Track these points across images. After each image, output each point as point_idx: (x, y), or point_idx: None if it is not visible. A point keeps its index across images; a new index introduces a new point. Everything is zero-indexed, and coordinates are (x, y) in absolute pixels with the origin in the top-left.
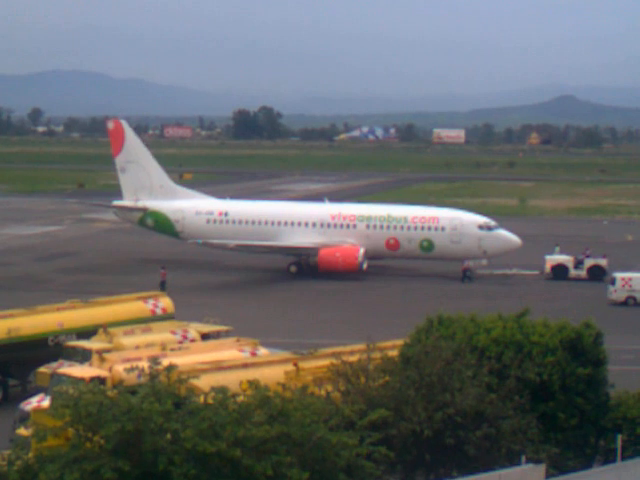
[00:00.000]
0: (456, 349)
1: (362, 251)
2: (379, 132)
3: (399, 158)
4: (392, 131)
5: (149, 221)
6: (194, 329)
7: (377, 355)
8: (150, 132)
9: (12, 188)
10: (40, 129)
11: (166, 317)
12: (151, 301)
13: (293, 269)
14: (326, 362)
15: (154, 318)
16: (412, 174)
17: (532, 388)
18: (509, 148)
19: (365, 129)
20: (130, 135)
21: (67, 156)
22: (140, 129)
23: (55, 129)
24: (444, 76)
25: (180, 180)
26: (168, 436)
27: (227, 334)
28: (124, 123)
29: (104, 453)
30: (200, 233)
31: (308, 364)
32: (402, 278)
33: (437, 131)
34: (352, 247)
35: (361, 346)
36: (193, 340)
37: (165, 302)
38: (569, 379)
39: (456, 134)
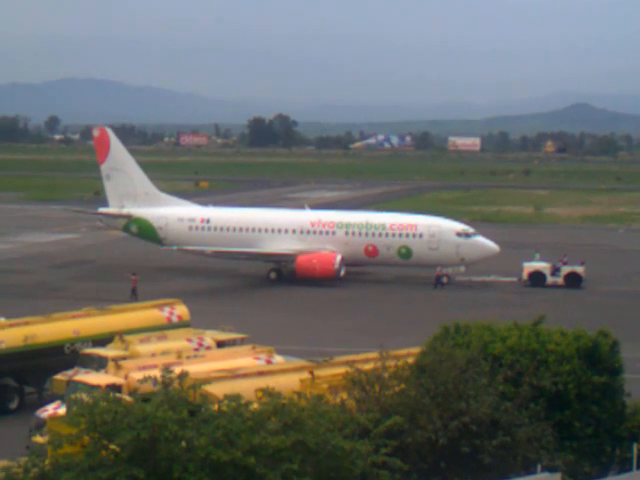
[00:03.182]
0: (470, 357)
1: (339, 258)
2: (395, 140)
3: (414, 166)
4: (408, 139)
5: (133, 228)
6: (210, 337)
7: (392, 363)
8: (166, 140)
9: (29, 196)
10: (57, 137)
11: (182, 325)
12: (167, 309)
13: (273, 275)
14: (341, 370)
15: (170, 326)
16: (427, 182)
17: (548, 396)
18: (524, 156)
19: (381, 137)
20: (115, 143)
21: (83, 164)
22: (156, 137)
23: (72, 137)
24: (459, 84)
25: (196, 188)
26: (183, 444)
27: (243, 342)
28: (109, 131)
29: (119, 461)
30: (182, 239)
31: (323, 372)
32: (410, 286)
33: (452, 139)
34: (329, 254)
35: (376, 354)
36: (209, 348)
37: (181, 310)
38: (585, 387)
39: (471, 142)
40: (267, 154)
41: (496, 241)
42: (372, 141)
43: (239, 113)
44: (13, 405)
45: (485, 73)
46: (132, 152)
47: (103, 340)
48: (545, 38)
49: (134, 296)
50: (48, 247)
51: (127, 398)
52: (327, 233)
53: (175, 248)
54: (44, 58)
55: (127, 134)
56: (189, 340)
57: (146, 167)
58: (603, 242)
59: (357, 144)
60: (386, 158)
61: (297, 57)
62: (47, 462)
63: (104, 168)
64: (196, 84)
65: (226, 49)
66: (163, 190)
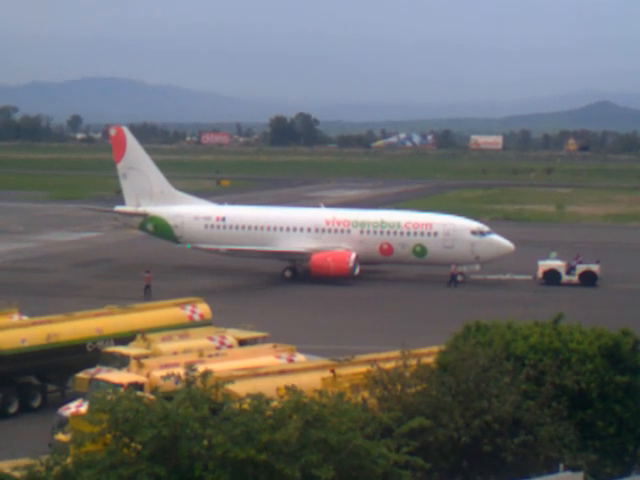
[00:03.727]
0: (492, 356)
1: (354, 256)
2: (416, 139)
3: (435, 165)
4: (429, 138)
5: (149, 226)
6: (231, 335)
7: (413, 362)
8: (187, 139)
9: (51, 194)
10: (79, 136)
11: (204, 323)
12: (189, 307)
13: (288, 274)
14: (363, 369)
15: (192, 324)
16: (448, 181)
17: (570, 395)
18: (546, 154)
19: (402, 136)
20: (132, 142)
21: (105, 163)
22: (178, 136)
23: (93, 136)
24: (481, 82)
25: (218, 186)
26: (205, 442)
27: (264, 340)
28: (126, 130)
29: (141, 459)
30: (198, 238)
31: (345, 371)
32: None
33: (474, 137)
34: (344, 252)
35: (397, 353)
36: (230, 346)
37: (203, 308)
38: (607, 387)
39: (493, 140)
40: (289, 153)
41: (516, 239)
42: (394, 140)
43: (260, 112)
44: (36, 403)
45: (506, 71)
46: (154, 151)
47: (125, 338)
48: (566, 36)
49: (148, 294)
50: (70, 246)
51: (149, 396)
52: (342, 231)
53: (189, 246)
54: (65, 58)
55: (149, 133)
56: (211, 338)
57: (168, 166)
58: (623, 241)
59: (378, 143)
60: (408, 157)
61: (319, 56)
62: (69, 460)
63: (121, 167)
64: (217, 83)
65: (247, 48)
66: (184, 189)
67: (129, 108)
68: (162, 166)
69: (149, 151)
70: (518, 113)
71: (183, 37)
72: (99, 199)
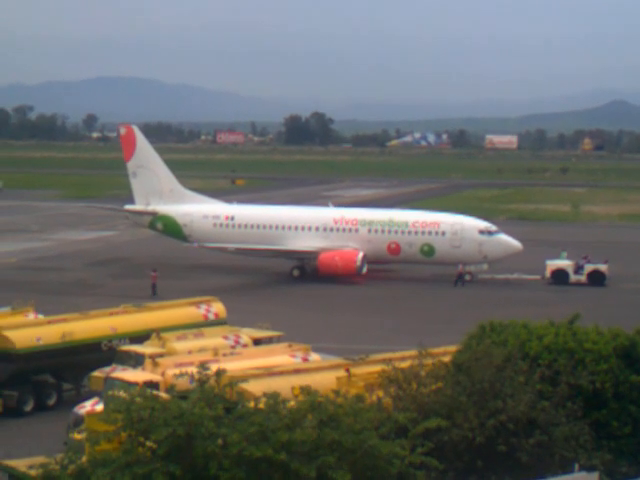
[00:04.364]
0: (507, 356)
1: (361, 255)
2: (431, 138)
3: (450, 164)
4: (444, 137)
5: (158, 225)
6: (246, 334)
7: (428, 361)
8: (203, 138)
9: (66, 193)
10: (94, 135)
11: (218, 322)
12: (203, 306)
13: (296, 273)
14: (377, 368)
15: (206, 323)
16: (463, 180)
17: (585, 395)
18: (562, 154)
19: (417, 135)
20: (141, 141)
21: (120, 162)
22: (193, 135)
23: (109, 135)
24: (496, 81)
25: (233, 186)
26: (220, 441)
27: (279, 340)
28: (136, 129)
29: (156, 458)
30: (207, 237)
31: (360, 370)
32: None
33: (489, 137)
34: (351, 251)
35: (412, 352)
36: (245, 345)
37: (217, 307)
38: (622, 387)
39: (508, 140)
40: (303, 152)
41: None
42: (408, 139)
43: (275, 111)
44: (51, 402)
45: (521, 70)
46: (169, 150)
47: (140, 337)
48: (581, 34)
49: (154, 293)
50: (85, 244)
51: (164, 395)
52: (350, 230)
53: (195, 245)
54: (81, 56)
55: (164, 132)
56: (225, 337)
57: (183, 165)
58: (637, 240)
59: (393, 142)
60: (423, 156)
61: (333, 55)
62: (85, 459)
63: (130, 165)
64: (232, 82)
65: (262, 48)
66: (200, 188)
67: (145, 107)
68: (177, 165)
69: (164, 150)
70: (533, 112)
71: (199, 37)
72: (114, 198)
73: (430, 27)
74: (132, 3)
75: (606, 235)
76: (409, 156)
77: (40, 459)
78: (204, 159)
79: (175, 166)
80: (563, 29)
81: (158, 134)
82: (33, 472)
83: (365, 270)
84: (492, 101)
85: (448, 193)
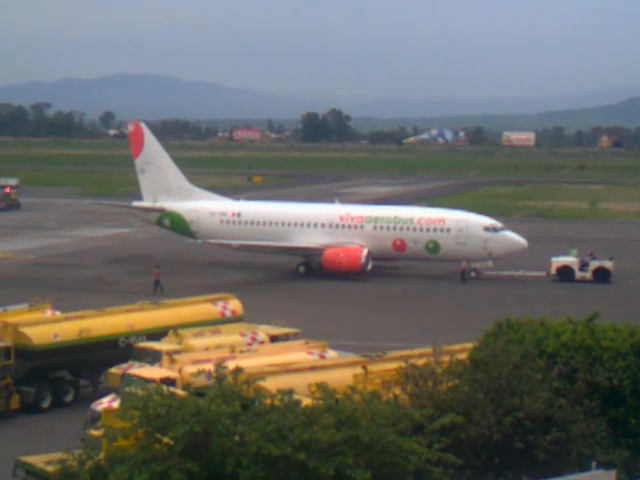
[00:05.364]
0: (524, 353)
1: (366, 252)
2: (448, 135)
3: (467, 161)
4: (461, 134)
5: (166, 221)
6: (263, 331)
7: (445, 358)
8: (220, 135)
9: (83, 191)
10: (111, 132)
11: (235, 319)
12: (220, 303)
13: (302, 269)
14: (394, 365)
15: (223, 320)
16: (481, 177)
17: (602, 393)
18: (579, 151)
19: (434, 132)
20: (149, 138)
21: None
22: (210, 132)
23: (126, 132)
24: (513, 78)
25: (249, 183)
26: (236, 438)
27: (295, 337)
28: (144, 126)
29: (173, 454)
30: (214, 233)
31: (377, 367)
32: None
33: (507, 134)
34: (356, 248)
35: (429, 349)
36: (262, 342)
37: (234, 304)
38: None
39: (526, 137)
40: (320, 149)
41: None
42: (426, 136)
43: (292, 108)
44: (68, 398)
45: (539, 67)
46: (186, 147)
47: (157, 334)
48: (598, 31)
49: (158, 289)
50: (102, 241)
51: (181, 392)
52: (355, 227)
53: (199, 242)
54: (98, 54)
55: (181, 129)
56: (242, 334)
57: (200, 162)
58: None
59: (410, 139)
60: (440, 153)
61: (350, 52)
62: (102, 455)
63: (138, 162)
64: (249, 79)
65: (278, 45)
66: (217, 185)
67: (161, 104)
68: (194, 163)
69: (181, 148)
70: (551, 109)
71: (216, 34)
72: (128, 195)
73: (448, 23)
74: (149, 1)
75: (622, 232)
76: (426, 153)
77: (57, 455)
78: (221, 156)
79: (192, 163)
80: (581, 26)
81: (175, 131)
82: (50, 468)
83: (370, 267)
84: (509, 98)
85: (465, 190)
